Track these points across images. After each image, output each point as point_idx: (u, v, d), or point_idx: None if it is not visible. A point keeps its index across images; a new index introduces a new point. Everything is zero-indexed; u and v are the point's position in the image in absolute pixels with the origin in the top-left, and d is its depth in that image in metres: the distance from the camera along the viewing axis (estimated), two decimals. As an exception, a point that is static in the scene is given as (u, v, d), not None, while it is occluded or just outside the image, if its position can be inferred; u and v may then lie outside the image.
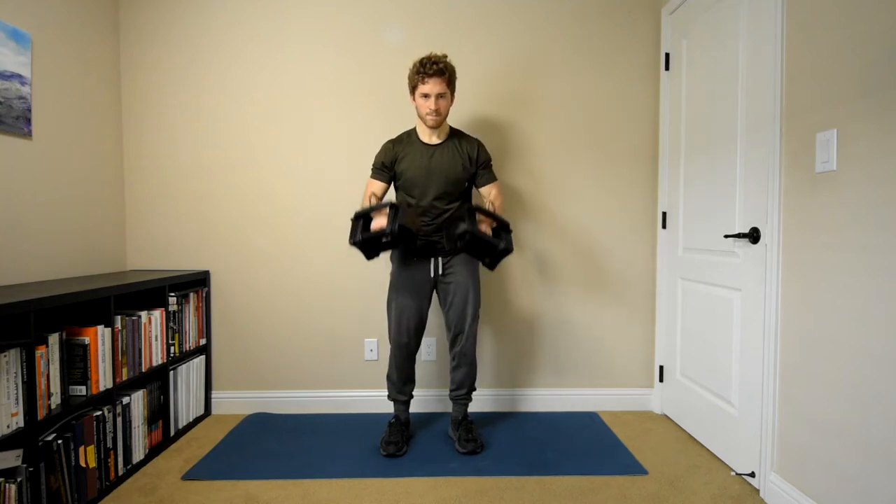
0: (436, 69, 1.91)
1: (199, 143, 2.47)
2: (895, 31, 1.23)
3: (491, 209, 1.96)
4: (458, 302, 2.06)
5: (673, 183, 2.36)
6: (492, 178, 2.11)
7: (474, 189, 2.15)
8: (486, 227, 1.84)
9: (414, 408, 2.41)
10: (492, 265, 1.90)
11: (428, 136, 2.04)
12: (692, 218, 2.19)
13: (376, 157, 2.08)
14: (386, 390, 2.22)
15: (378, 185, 2.06)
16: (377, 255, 1.88)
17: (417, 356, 2.22)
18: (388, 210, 1.81)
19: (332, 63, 2.45)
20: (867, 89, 1.30)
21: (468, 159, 2.05)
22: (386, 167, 2.05)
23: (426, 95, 1.94)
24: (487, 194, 2.11)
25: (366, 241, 1.80)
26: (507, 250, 1.84)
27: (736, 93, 1.86)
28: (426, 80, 1.92)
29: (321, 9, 2.44)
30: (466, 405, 2.16)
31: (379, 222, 1.80)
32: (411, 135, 2.07)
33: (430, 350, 2.50)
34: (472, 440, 2.04)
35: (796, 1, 1.55)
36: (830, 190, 1.42)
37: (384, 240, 1.79)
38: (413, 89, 1.98)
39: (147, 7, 2.44)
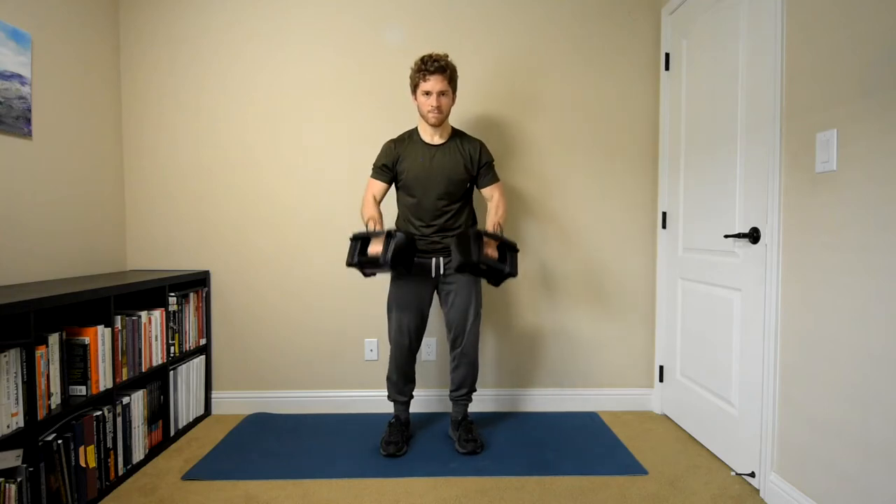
0: (437, 66, 1.92)
1: (199, 143, 2.47)
2: (895, 31, 1.23)
3: (498, 231, 1.97)
4: (459, 303, 2.06)
5: (673, 183, 2.36)
6: (493, 179, 2.09)
7: (476, 189, 2.15)
8: (491, 250, 1.87)
9: (414, 408, 2.41)
10: (496, 284, 1.93)
11: (430, 136, 2.03)
12: (692, 218, 2.19)
13: (377, 157, 2.06)
14: (386, 390, 2.22)
15: (378, 186, 2.04)
16: (374, 274, 1.92)
17: (417, 356, 2.22)
18: (384, 237, 1.83)
19: (332, 63, 2.45)
20: (867, 89, 1.30)
21: (469, 160, 2.04)
22: (387, 168, 2.03)
23: (427, 93, 1.93)
24: (490, 196, 2.10)
25: (362, 264, 1.85)
26: (512, 275, 1.88)
27: (736, 93, 1.86)
28: (427, 77, 1.92)
29: (321, 9, 2.44)
30: (466, 405, 2.16)
31: (375, 247, 1.82)
32: (413, 135, 2.06)
33: (430, 350, 2.50)
34: (472, 440, 2.04)
35: (796, 1, 1.55)
36: (830, 190, 1.42)
37: (378, 268, 1.85)
38: (414, 88, 1.98)
39: (147, 7, 2.44)
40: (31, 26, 1.93)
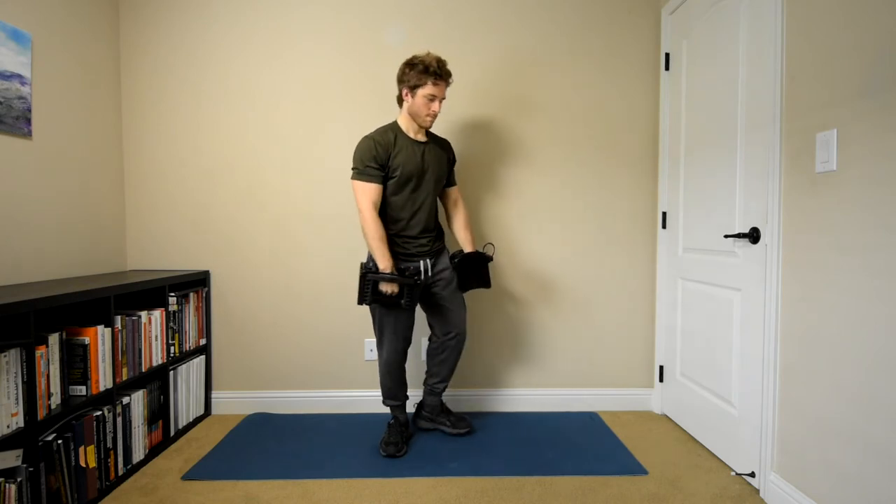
0: (446, 73, 1.91)
1: (199, 143, 2.47)
2: (895, 32, 1.23)
3: (483, 250, 2.20)
4: (455, 301, 2.10)
5: (673, 183, 2.36)
6: (455, 180, 2.20)
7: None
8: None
9: (411, 408, 2.42)
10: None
11: (415, 134, 2.00)
12: (692, 218, 2.19)
13: (362, 156, 1.91)
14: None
15: (375, 190, 1.92)
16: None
17: (412, 357, 2.25)
18: (398, 283, 1.91)
19: (332, 63, 2.45)
20: (867, 89, 1.30)
21: (447, 159, 2.11)
22: (379, 167, 1.92)
23: (433, 97, 1.91)
24: (455, 200, 2.19)
25: (379, 303, 1.95)
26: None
27: (736, 93, 1.86)
28: (437, 82, 1.89)
29: (322, 9, 2.44)
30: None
31: (389, 286, 1.90)
32: (396, 131, 1.97)
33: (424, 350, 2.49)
34: (463, 419, 2.18)
35: (796, 1, 1.55)
36: (830, 190, 1.42)
37: (394, 308, 1.98)
38: (415, 88, 1.91)
39: (147, 7, 2.44)
40: (31, 26, 1.93)
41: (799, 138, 1.54)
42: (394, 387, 2.12)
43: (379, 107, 2.45)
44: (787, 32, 1.59)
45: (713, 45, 2.02)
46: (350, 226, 2.47)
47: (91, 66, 2.26)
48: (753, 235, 1.74)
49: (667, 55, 2.40)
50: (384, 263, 1.90)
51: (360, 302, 1.90)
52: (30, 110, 1.92)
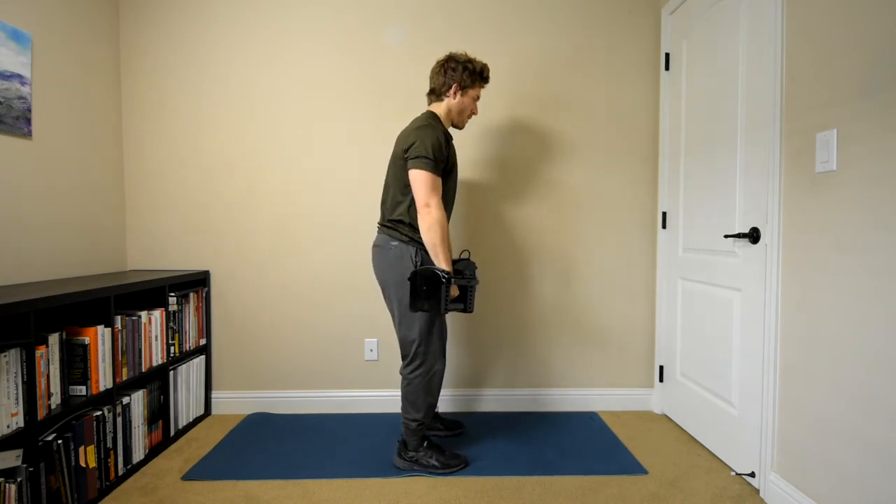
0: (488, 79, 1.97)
1: (200, 143, 2.47)
2: (895, 32, 1.23)
3: None
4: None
5: (673, 183, 2.36)
6: None
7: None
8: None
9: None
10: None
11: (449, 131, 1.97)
12: (692, 218, 2.19)
13: (433, 148, 1.73)
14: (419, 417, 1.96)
15: (440, 185, 1.78)
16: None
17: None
18: (460, 284, 1.82)
19: (332, 63, 2.45)
20: (867, 89, 1.30)
21: None
22: (443, 159, 1.78)
23: (478, 99, 1.95)
24: None
25: (448, 309, 1.80)
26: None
27: (736, 93, 1.86)
28: (484, 86, 1.96)
29: (322, 9, 2.44)
30: None
31: (455, 290, 1.79)
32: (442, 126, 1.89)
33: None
34: (456, 421, 2.25)
35: (796, 1, 1.55)
36: (830, 190, 1.42)
37: (463, 307, 1.88)
38: (466, 89, 1.90)
39: (147, 7, 2.44)
40: (31, 26, 1.93)
41: (799, 138, 1.54)
42: (436, 400, 1.93)
43: (378, 107, 2.45)
44: (787, 32, 1.59)
45: (713, 45, 2.02)
46: (350, 225, 2.47)
47: (91, 66, 2.26)
48: (753, 235, 1.74)
49: (667, 55, 2.40)
50: (450, 266, 1.76)
51: (440, 312, 1.72)
52: (30, 110, 1.92)
